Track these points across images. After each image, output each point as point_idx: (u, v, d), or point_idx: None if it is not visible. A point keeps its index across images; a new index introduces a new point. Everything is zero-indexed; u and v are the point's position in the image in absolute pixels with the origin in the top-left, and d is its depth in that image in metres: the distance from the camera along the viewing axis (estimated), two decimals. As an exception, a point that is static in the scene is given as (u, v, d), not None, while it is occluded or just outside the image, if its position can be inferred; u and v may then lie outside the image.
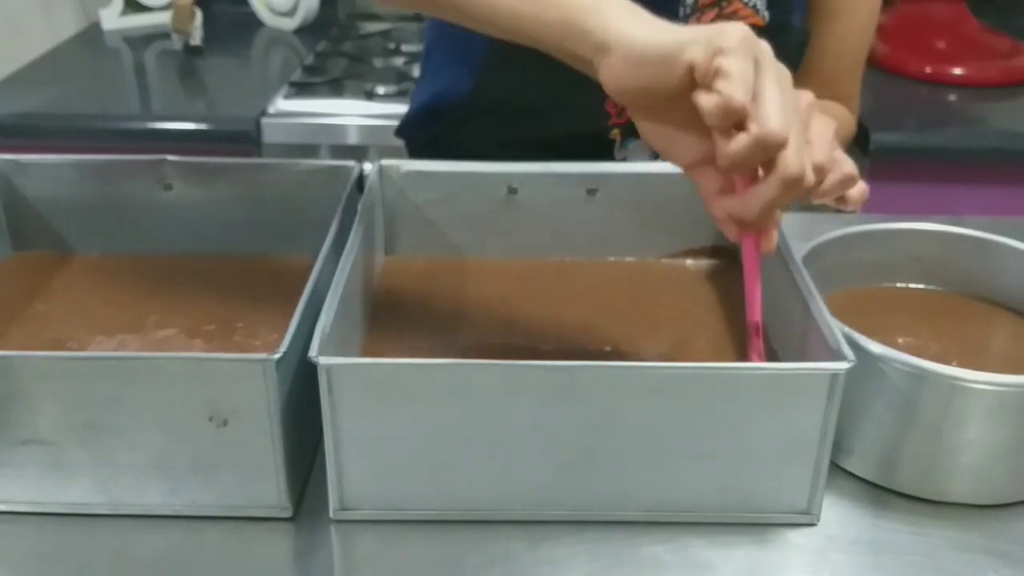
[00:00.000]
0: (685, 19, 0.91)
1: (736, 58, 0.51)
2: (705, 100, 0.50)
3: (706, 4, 0.91)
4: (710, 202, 0.57)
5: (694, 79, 0.52)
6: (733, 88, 0.49)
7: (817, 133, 0.75)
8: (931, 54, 1.67)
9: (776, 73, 0.52)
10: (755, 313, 0.60)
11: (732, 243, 0.82)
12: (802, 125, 0.52)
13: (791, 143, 0.51)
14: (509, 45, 0.93)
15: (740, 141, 0.50)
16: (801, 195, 0.54)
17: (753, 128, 0.50)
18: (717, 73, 0.50)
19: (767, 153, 0.51)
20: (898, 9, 1.69)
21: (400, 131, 1.10)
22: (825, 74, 1.00)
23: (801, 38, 0.96)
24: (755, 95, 0.51)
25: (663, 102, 0.53)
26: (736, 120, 0.51)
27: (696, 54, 0.51)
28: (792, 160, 0.51)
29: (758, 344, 0.61)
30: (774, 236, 0.56)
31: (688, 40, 0.52)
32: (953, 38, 1.69)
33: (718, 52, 0.51)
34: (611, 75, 0.56)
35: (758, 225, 0.55)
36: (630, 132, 0.98)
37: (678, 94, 0.52)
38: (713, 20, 0.91)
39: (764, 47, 0.53)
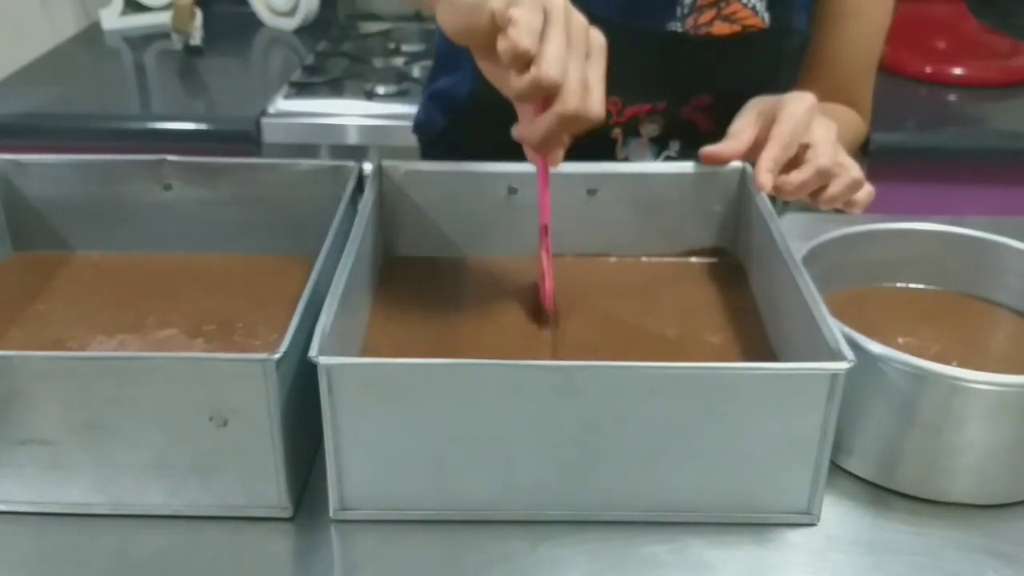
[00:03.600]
0: (683, 19, 0.91)
1: (525, 8, 0.59)
2: (499, 43, 0.59)
3: (704, 4, 0.91)
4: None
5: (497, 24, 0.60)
6: (519, 34, 0.58)
7: (819, 137, 0.75)
8: (931, 54, 1.67)
9: (564, 24, 0.60)
10: (544, 216, 0.72)
11: (732, 243, 0.83)
12: (582, 67, 0.61)
13: (570, 84, 0.59)
14: None
15: (522, 79, 0.59)
16: (582, 128, 0.62)
17: (533, 69, 0.58)
18: (508, 20, 0.58)
19: (545, 91, 0.59)
20: (898, 9, 1.69)
21: (415, 127, 1.11)
22: (835, 79, 0.99)
23: (802, 41, 0.96)
24: (541, 41, 0.59)
25: (484, 43, 0.61)
26: (524, 61, 0.59)
27: (495, 3, 0.59)
28: (568, 99, 0.59)
29: (547, 242, 0.72)
30: (558, 155, 0.66)
31: None
32: (953, 38, 1.69)
33: (512, 3, 0.59)
34: (441, 18, 0.64)
35: (542, 148, 0.64)
36: (631, 131, 0.98)
37: (490, 37, 0.60)
38: (711, 21, 0.91)
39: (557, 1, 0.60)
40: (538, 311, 0.76)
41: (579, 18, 0.62)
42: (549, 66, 0.58)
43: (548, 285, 0.74)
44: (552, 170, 0.80)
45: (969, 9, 1.72)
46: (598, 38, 0.64)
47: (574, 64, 0.60)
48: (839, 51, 0.99)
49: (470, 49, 0.65)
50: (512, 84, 0.60)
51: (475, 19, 0.61)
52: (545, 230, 0.71)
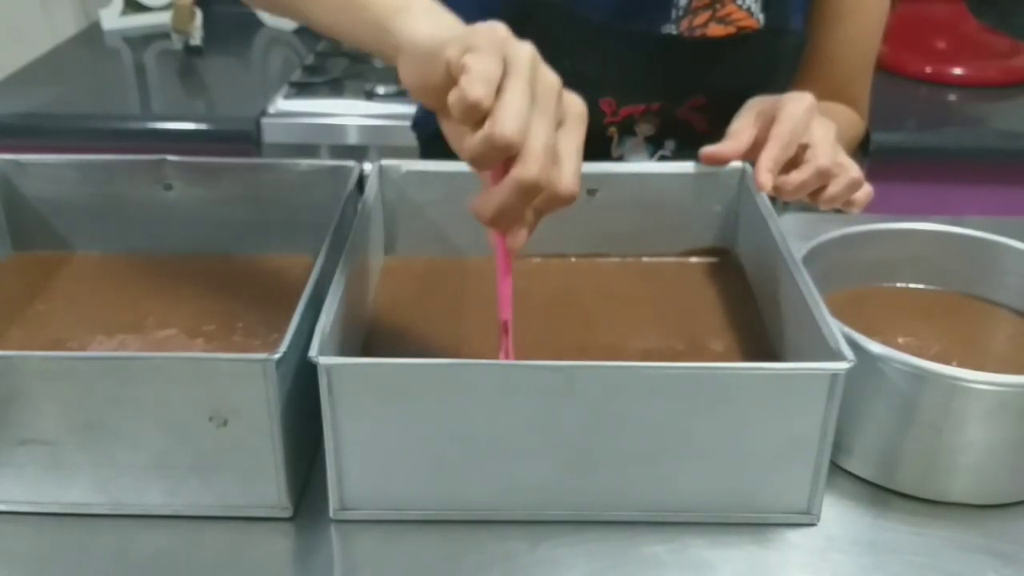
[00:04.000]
0: (677, 21, 0.91)
1: (480, 55, 0.51)
2: (450, 95, 0.51)
3: (699, 6, 0.91)
4: None
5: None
6: (471, 83, 0.50)
7: (818, 137, 0.75)
8: (931, 54, 1.67)
9: (528, 76, 0.51)
10: (505, 311, 0.59)
11: (732, 243, 0.83)
12: (551, 131, 0.52)
13: (531, 146, 0.51)
14: None
15: (473, 138, 0.51)
16: (551, 206, 0.54)
17: (486, 127, 0.50)
18: (462, 69, 0.51)
19: (500, 153, 0.51)
20: (898, 9, 1.69)
21: (414, 124, 1.11)
22: (832, 78, 0.99)
23: (798, 41, 0.96)
24: (498, 95, 0.51)
25: (441, 99, 0.54)
26: (477, 116, 0.51)
27: (451, 51, 0.52)
28: (529, 164, 0.50)
29: (507, 343, 0.60)
30: (520, 236, 0.56)
31: (450, 39, 0.53)
32: (953, 38, 1.69)
33: (467, 49, 0.52)
34: (402, 73, 0.58)
35: (497, 224, 0.54)
36: (626, 130, 0.98)
37: (446, 91, 0.52)
38: (706, 22, 0.91)
39: (523, 49, 0.53)
40: (538, 309, 0.76)
41: (550, 75, 0.54)
42: (505, 122, 0.50)
43: None
44: None
45: (969, 9, 1.72)
46: (576, 105, 0.55)
47: (539, 124, 0.51)
48: (836, 50, 0.99)
49: (433, 110, 0.58)
50: (464, 144, 0.52)
51: (431, 71, 0.54)
52: (505, 328, 0.60)
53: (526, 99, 0.51)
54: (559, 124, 0.54)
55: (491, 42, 0.52)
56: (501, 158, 0.51)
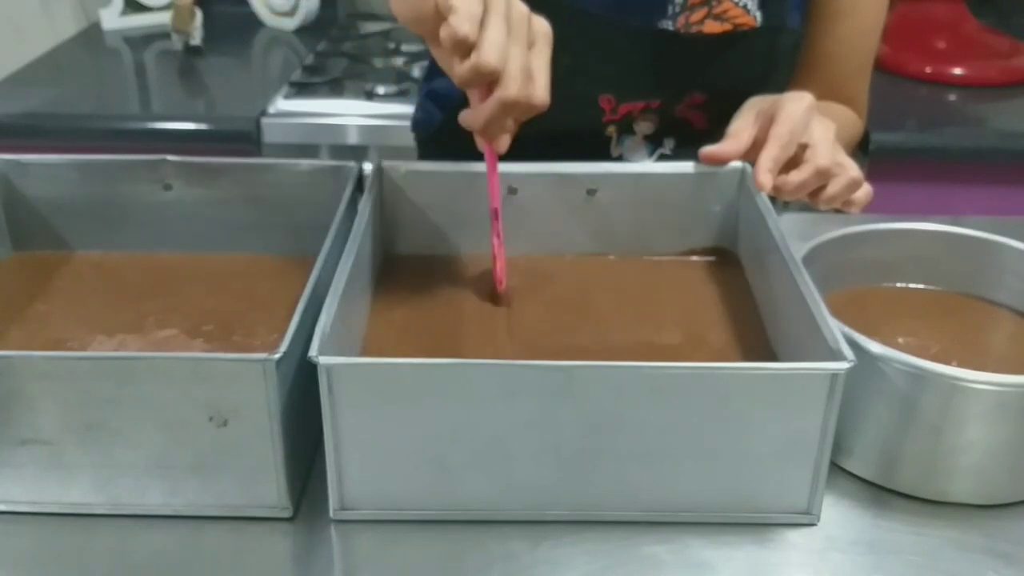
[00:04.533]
0: (674, 17, 0.91)
1: None
2: (441, 30, 0.61)
3: (696, 3, 0.91)
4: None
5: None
6: (459, 21, 0.60)
7: (818, 136, 0.75)
8: (931, 54, 1.67)
9: (504, 11, 0.61)
10: (495, 200, 0.72)
11: (732, 243, 0.83)
12: (525, 54, 0.62)
13: (510, 70, 0.61)
14: None
15: (463, 66, 0.61)
16: (526, 114, 0.64)
17: (473, 56, 0.60)
18: (449, 8, 0.60)
19: (485, 77, 0.61)
20: (898, 9, 1.69)
21: (413, 125, 1.11)
22: (831, 77, 0.99)
23: (795, 39, 0.96)
24: (480, 28, 0.60)
25: (431, 31, 0.63)
26: (465, 49, 0.60)
27: None
28: (509, 85, 0.61)
29: (497, 226, 0.73)
30: (504, 140, 0.66)
31: None
32: (953, 38, 1.69)
33: None
34: (392, 7, 0.68)
35: (485, 134, 0.65)
36: (625, 129, 0.98)
37: (436, 25, 0.62)
38: (703, 19, 0.91)
39: None
40: (538, 309, 0.76)
41: (520, 6, 0.63)
42: (488, 53, 0.60)
43: (499, 267, 0.75)
44: (552, 170, 0.80)
45: (969, 9, 1.72)
46: (542, 27, 0.65)
47: (515, 51, 0.61)
48: (834, 49, 0.99)
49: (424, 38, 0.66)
50: (455, 71, 0.62)
51: (421, 7, 0.63)
52: (495, 214, 0.73)
53: (504, 31, 0.61)
54: (530, 45, 0.64)
55: None
56: (486, 81, 0.62)
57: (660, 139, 0.99)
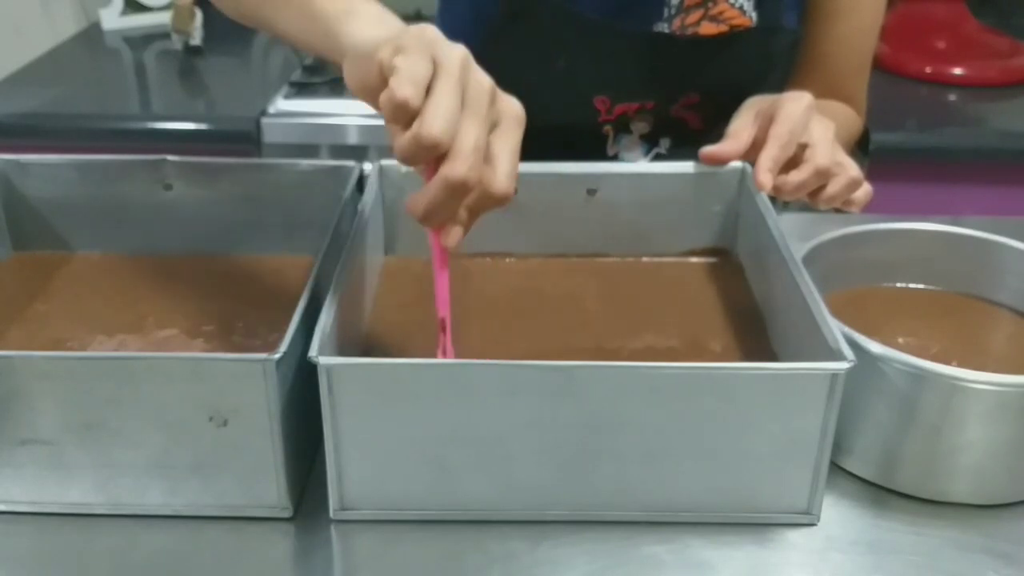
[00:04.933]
0: (669, 20, 0.91)
1: (409, 56, 0.52)
2: (381, 95, 0.53)
3: (691, 4, 0.91)
4: None
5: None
6: (399, 83, 0.51)
7: (817, 136, 0.75)
8: (931, 54, 1.67)
9: (457, 79, 0.52)
10: (442, 308, 0.60)
11: (732, 243, 0.83)
12: (481, 131, 0.53)
13: (459, 146, 0.52)
14: (500, 43, 0.93)
15: (403, 137, 0.52)
16: (484, 205, 0.55)
17: (414, 126, 0.52)
18: (392, 70, 0.52)
19: (427, 152, 0.52)
20: (898, 9, 1.69)
21: None
22: (829, 76, 0.99)
23: (792, 39, 0.96)
24: (427, 95, 0.52)
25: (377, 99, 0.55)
26: (407, 117, 0.52)
27: (383, 53, 0.54)
28: (457, 164, 0.52)
29: (444, 341, 0.61)
30: (453, 233, 0.56)
31: (384, 40, 0.55)
32: (953, 38, 1.69)
33: (398, 51, 0.53)
34: (345, 76, 0.59)
35: (428, 221, 0.55)
36: (621, 128, 0.98)
37: (382, 91, 0.54)
38: (698, 21, 0.91)
39: (454, 51, 0.53)
40: (538, 309, 0.76)
41: (482, 78, 0.54)
42: (432, 122, 0.51)
43: None
44: (552, 170, 0.80)
45: (969, 9, 1.72)
46: (511, 107, 0.56)
47: (468, 124, 0.52)
48: (833, 48, 0.99)
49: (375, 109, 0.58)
50: (395, 143, 0.53)
51: (366, 71, 0.56)
52: (443, 326, 0.60)
53: (455, 99, 0.52)
54: (493, 125, 0.54)
55: (420, 43, 0.54)
56: (430, 156, 0.52)
57: (656, 138, 1.00)
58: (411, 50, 0.53)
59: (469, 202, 0.54)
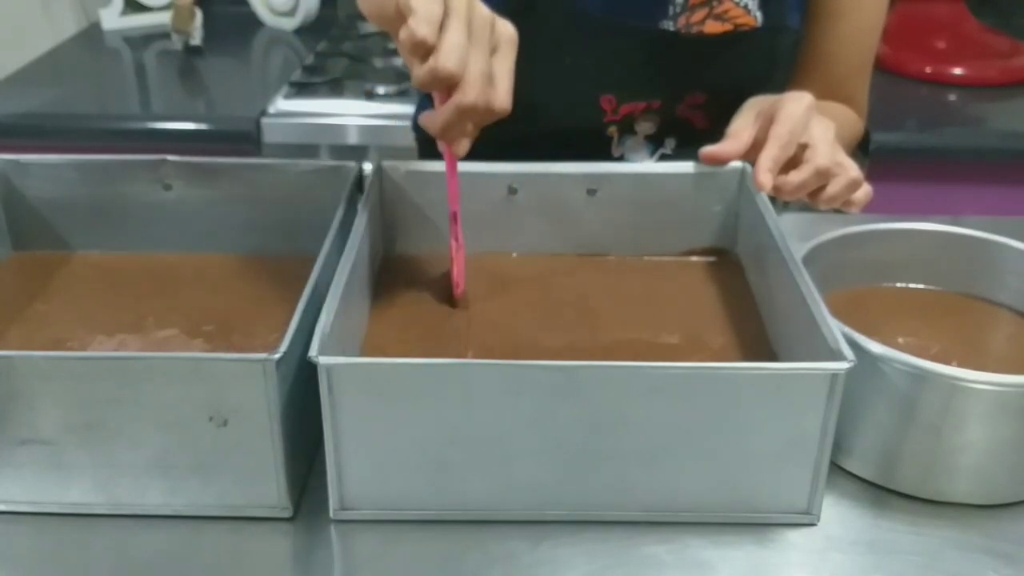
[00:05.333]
0: (675, 17, 0.91)
1: None
2: (400, 32, 0.60)
3: (696, 3, 0.91)
4: None
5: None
6: (417, 23, 0.59)
7: (818, 136, 0.75)
8: (931, 54, 1.67)
9: (465, 15, 0.60)
10: (454, 203, 0.72)
11: (732, 243, 0.83)
12: (486, 59, 0.61)
13: (470, 75, 0.60)
14: None
15: (420, 70, 0.60)
16: (486, 120, 0.63)
17: (430, 60, 0.59)
18: (409, 9, 0.59)
19: (443, 82, 0.60)
20: (898, 9, 1.69)
21: (414, 124, 1.11)
22: (830, 76, 0.99)
23: (795, 38, 0.96)
24: (440, 32, 0.59)
25: (394, 30, 0.62)
26: (424, 51, 0.60)
27: None
28: (468, 90, 0.60)
29: (456, 230, 0.73)
30: (463, 144, 0.65)
31: None
32: (953, 38, 1.69)
33: None
34: (361, 3, 0.68)
35: (443, 137, 0.64)
36: (626, 129, 0.98)
37: (398, 24, 0.61)
38: (703, 19, 0.91)
39: None
40: (538, 309, 0.76)
41: (482, 10, 0.62)
42: (447, 57, 0.59)
43: (457, 271, 0.75)
44: (552, 170, 0.80)
45: (969, 9, 1.72)
46: (506, 31, 0.64)
47: (476, 55, 0.60)
48: (834, 48, 0.99)
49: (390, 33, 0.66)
50: (413, 73, 0.61)
51: (384, 7, 0.63)
52: (454, 217, 0.72)
53: (464, 35, 0.60)
54: (493, 51, 0.62)
55: None
56: (445, 86, 0.61)
57: (661, 139, 1.00)
58: None
59: (475, 118, 0.63)
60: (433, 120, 0.63)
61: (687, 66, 0.94)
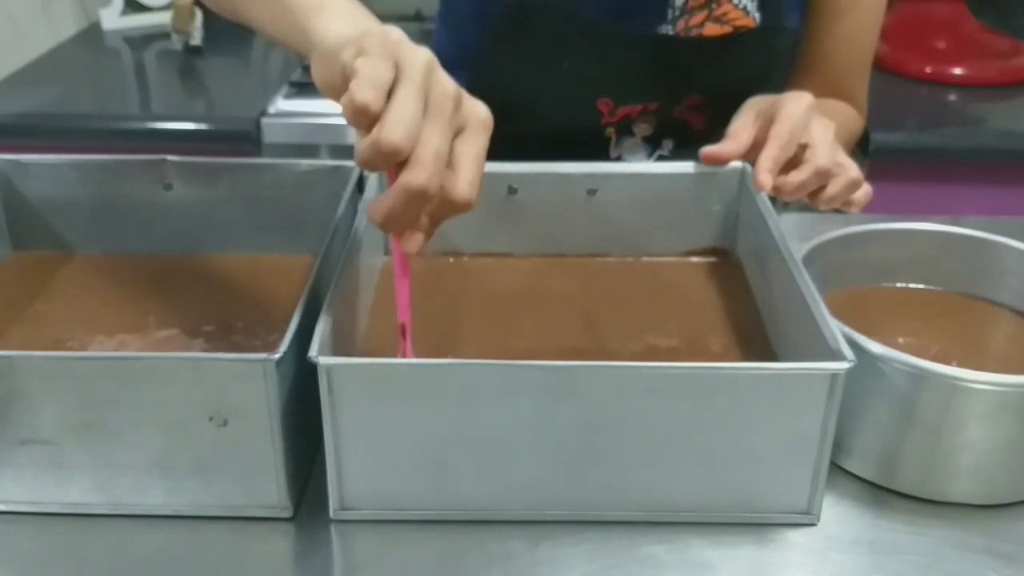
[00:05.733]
0: (673, 21, 0.91)
1: (370, 59, 0.51)
2: (342, 98, 0.52)
3: (695, 6, 0.91)
4: None
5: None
6: (359, 87, 0.50)
7: (818, 136, 0.76)
8: (931, 54, 1.67)
9: (420, 84, 0.51)
10: (403, 313, 0.60)
11: (732, 243, 0.83)
12: (443, 137, 0.52)
13: (420, 153, 0.51)
14: (503, 45, 0.93)
15: (363, 142, 0.51)
16: (445, 212, 0.54)
17: (374, 131, 0.50)
18: (353, 72, 0.51)
19: (387, 158, 0.50)
20: (898, 9, 1.69)
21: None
22: (830, 75, 0.99)
23: (794, 39, 0.96)
24: (388, 100, 0.51)
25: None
26: (367, 121, 0.51)
27: (345, 55, 0.53)
28: (417, 171, 0.50)
29: (404, 345, 0.60)
30: (414, 240, 0.55)
31: (348, 40, 0.54)
32: (953, 38, 1.69)
33: (360, 52, 0.52)
34: (312, 73, 0.58)
35: (388, 228, 0.54)
36: (624, 130, 0.98)
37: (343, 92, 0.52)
38: (702, 22, 0.91)
39: (417, 54, 0.52)
40: (538, 309, 0.76)
41: (446, 83, 0.53)
42: (392, 128, 0.50)
43: None
44: (552, 170, 0.80)
45: (969, 9, 1.72)
46: (477, 112, 0.54)
47: (430, 131, 0.51)
48: (833, 47, 0.99)
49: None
50: (356, 148, 0.52)
51: (330, 71, 0.55)
52: (403, 331, 0.60)
53: (417, 105, 0.51)
54: (458, 131, 0.53)
55: (383, 45, 0.52)
56: (390, 163, 0.51)
57: (659, 140, 0.99)
58: (373, 52, 0.52)
59: (430, 209, 0.53)
60: (377, 207, 0.52)
61: (685, 69, 0.94)
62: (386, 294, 0.78)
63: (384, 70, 0.51)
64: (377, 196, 0.53)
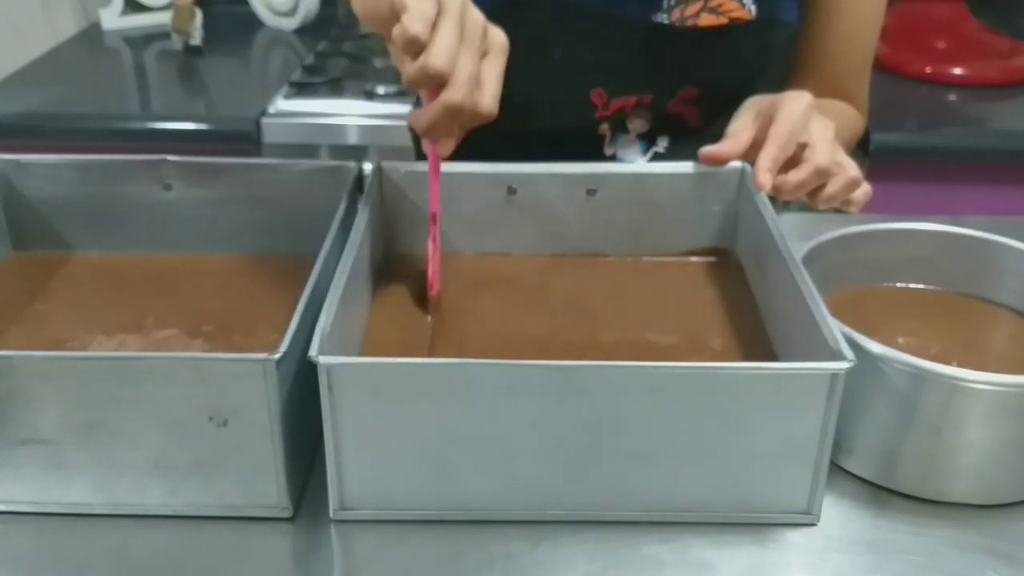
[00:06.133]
0: (669, 10, 0.91)
1: None
2: (393, 29, 0.61)
3: None
4: None
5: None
6: (410, 21, 0.60)
7: (817, 136, 0.75)
8: (931, 54, 1.67)
9: (458, 17, 0.61)
10: (435, 204, 0.73)
11: (732, 243, 0.83)
12: (475, 61, 0.62)
13: (458, 75, 0.61)
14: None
15: (412, 66, 0.61)
16: (472, 122, 0.64)
17: (422, 57, 0.60)
18: (402, 8, 0.60)
19: (432, 80, 0.61)
20: (898, 9, 1.69)
21: (410, 125, 1.11)
22: (830, 74, 0.99)
23: (790, 33, 0.96)
24: (433, 31, 0.60)
25: (387, 30, 0.63)
26: (416, 49, 0.60)
27: None
28: (454, 90, 0.61)
29: (435, 230, 0.73)
30: (447, 145, 0.66)
31: None
32: (953, 38, 1.69)
33: None
34: (354, 4, 0.69)
35: (428, 136, 0.66)
36: (619, 127, 0.98)
37: (391, 24, 0.62)
38: (698, 12, 0.91)
39: None
40: (538, 309, 0.76)
41: (476, 14, 0.63)
42: (437, 55, 0.60)
43: (432, 272, 0.74)
44: (551, 170, 0.80)
45: (969, 9, 1.72)
46: (498, 38, 0.65)
47: (465, 57, 0.61)
48: (833, 46, 0.99)
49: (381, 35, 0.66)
50: (404, 70, 0.62)
51: (377, 6, 0.65)
52: (433, 219, 0.73)
53: (456, 36, 0.61)
54: (484, 54, 0.64)
55: None
56: (434, 84, 0.61)
57: (654, 137, 0.99)
58: None
59: (461, 119, 0.64)
60: (420, 118, 0.64)
61: (680, 59, 0.93)
62: (386, 294, 0.78)
63: (430, 6, 0.60)
64: (419, 109, 0.65)
